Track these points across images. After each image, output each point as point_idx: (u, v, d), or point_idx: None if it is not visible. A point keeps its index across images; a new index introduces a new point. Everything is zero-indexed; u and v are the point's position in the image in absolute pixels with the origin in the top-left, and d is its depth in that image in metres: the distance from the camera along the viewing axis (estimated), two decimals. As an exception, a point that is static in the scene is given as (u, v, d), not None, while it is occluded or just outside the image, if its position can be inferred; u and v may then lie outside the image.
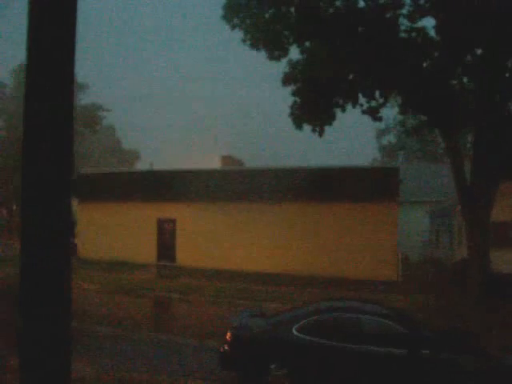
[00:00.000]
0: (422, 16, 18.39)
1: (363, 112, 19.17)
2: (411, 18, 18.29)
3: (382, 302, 12.24)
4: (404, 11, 18.41)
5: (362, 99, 19.19)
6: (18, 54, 66.19)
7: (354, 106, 19.31)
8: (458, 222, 26.65)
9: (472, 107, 19.02)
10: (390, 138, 58.58)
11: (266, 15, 18.55)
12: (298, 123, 19.70)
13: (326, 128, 20.04)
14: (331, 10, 18.41)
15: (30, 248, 3.98)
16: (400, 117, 37.80)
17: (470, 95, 19.60)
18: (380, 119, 19.50)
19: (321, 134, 19.82)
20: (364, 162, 48.44)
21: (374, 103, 19.12)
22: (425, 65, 18.91)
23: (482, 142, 18.38)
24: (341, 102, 19.45)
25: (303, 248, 24.78)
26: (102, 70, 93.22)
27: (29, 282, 3.97)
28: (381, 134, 58.46)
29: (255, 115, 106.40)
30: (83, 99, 46.52)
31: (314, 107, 19.37)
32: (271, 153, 76.72)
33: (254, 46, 18.99)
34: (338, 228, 24.58)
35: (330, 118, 19.72)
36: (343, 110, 19.60)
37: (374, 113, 19.13)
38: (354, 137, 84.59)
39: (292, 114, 19.76)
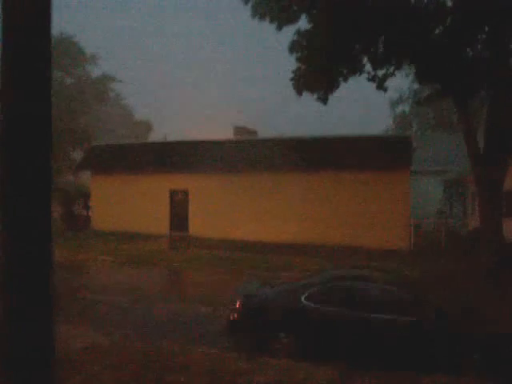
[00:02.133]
0: None
1: (368, 79, 18.95)
2: None
3: (392, 271, 12.29)
4: None
5: (369, 68, 18.97)
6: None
7: (360, 74, 19.09)
8: (472, 191, 26.46)
9: (486, 74, 18.71)
10: (405, 108, 57.92)
11: None
12: (299, 89, 19.56)
13: (341, 97, 19.90)
14: None
15: (8, 244, 3.88)
16: (413, 86, 37.34)
17: (483, 63, 19.27)
18: (385, 89, 19.27)
19: (325, 102, 19.66)
20: (378, 132, 47.92)
21: (380, 72, 18.89)
22: (437, 31, 18.57)
23: (495, 110, 18.15)
24: (345, 71, 19.24)
25: (316, 217, 24.79)
26: (112, 38, 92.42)
27: (9, 279, 3.86)
28: (395, 103, 57.80)
29: (268, 85, 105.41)
30: (93, 71, 46.04)
31: (317, 74, 19.20)
32: (284, 122, 75.99)
33: (264, 18, 18.86)
34: (350, 197, 24.52)
35: (332, 86, 19.54)
36: (345, 80, 19.40)
37: (380, 81, 18.91)
38: (368, 106, 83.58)
39: (294, 80, 19.62)
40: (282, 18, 18.82)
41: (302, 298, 9.13)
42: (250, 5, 18.81)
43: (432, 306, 8.99)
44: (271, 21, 18.87)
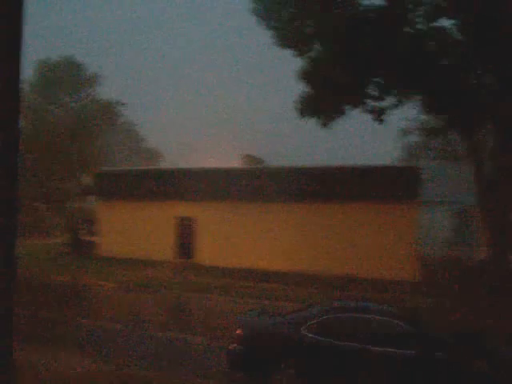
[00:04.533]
0: (440, 16, 18.22)
1: (368, 111, 19.10)
2: (430, 17, 18.15)
3: (395, 302, 12.11)
4: (422, 11, 18.30)
5: (370, 100, 19.16)
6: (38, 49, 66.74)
7: (362, 105, 19.26)
8: (480, 222, 26.24)
9: (493, 106, 18.75)
10: (414, 138, 58.01)
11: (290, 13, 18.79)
12: (303, 113, 19.76)
13: (349, 127, 20.14)
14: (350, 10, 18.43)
15: None
16: (421, 117, 37.43)
17: (491, 95, 19.34)
18: (382, 121, 19.39)
19: (326, 126, 19.88)
20: (388, 161, 47.95)
21: (381, 104, 19.04)
22: (445, 63, 18.70)
23: (501, 140, 18.12)
24: (349, 100, 19.44)
25: (323, 247, 24.63)
26: (117, 63, 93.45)
27: None
28: (403, 133, 57.92)
29: (277, 115, 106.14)
30: (99, 93, 46.16)
31: (322, 100, 19.43)
32: (293, 151, 76.27)
33: (283, 45, 19.33)
34: (357, 228, 24.37)
35: (336, 113, 19.73)
36: (350, 108, 19.60)
37: (379, 113, 19.05)
38: (378, 136, 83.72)
39: (299, 103, 19.84)
40: (299, 45, 19.23)
41: (302, 329, 8.98)
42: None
43: (433, 337, 8.80)
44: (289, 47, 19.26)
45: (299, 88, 20.23)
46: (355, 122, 24.18)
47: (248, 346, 9.27)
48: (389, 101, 19.68)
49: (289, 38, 19.27)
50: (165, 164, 63.06)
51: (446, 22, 23.13)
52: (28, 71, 43.68)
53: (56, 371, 8.56)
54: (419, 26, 18.39)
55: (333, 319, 9.07)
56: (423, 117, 36.14)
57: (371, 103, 19.45)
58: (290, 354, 8.98)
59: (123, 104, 46.55)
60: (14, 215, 4.18)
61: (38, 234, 35.63)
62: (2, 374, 4.05)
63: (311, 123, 20.61)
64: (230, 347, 9.43)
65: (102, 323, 14.30)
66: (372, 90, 19.35)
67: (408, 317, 9.47)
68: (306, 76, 19.72)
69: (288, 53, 20.04)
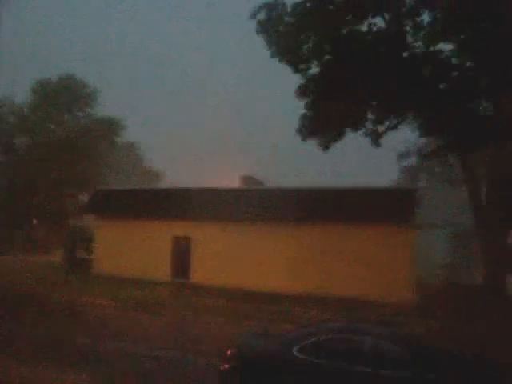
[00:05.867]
0: (440, 40, 18.40)
1: (366, 135, 19.18)
2: (429, 41, 18.33)
3: (391, 325, 12.04)
4: (421, 35, 18.50)
5: (369, 123, 19.24)
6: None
7: (360, 129, 19.34)
8: (477, 245, 26.23)
9: (490, 130, 18.84)
10: (411, 161, 58.12)
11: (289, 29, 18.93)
12: (304, 136, 19.81)
13: (350, 147, 20.17)
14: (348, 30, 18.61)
15: None
16: (419, 140, 37.64)
17: (488, 120, 19.44)
18: (379, 145, 19.47)
19: (325, 149, 19.89)
20: (386, 183, 47.96)
21: (380, 128, 19.13)
22: (442, 87, 18.82)
23: (497, 164, 18.19)
24: (349, 123, 19.51)
25: (319, 268, 24.51)
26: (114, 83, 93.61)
27: None
28: (402, 156, 58.08)
29: (276, 133, 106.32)
30: (96, 110, 45.62)
31: (322, 123, 19.49)
32: (290, 171, 76.17)
33: (281, 59, 19.42)
34: (354, 249, 24.27)
35: (335, 135, 19.79)
36: (350, 131, 19.63)
37: (377, 137, 19.14)
38: (376, 158, 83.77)
39: (300, 126, 19.90)
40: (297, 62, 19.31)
41: (294, 350, 8.91)
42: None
43: (431, 359, 8.73)
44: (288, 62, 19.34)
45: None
46: (354, 143, 24.22)
47: (239, 366, 9.19)
48: (387, 124, 19.77)
49: (287, 53, 19.35)
50: (164, 183, 63.00)
51: (445, 46, 23.43)
52: (25, 92, 43.94)
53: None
54: (418, 50, 18.57)
55: (324, 340, 8.99)
56: (422, 139, 36.42)
57: (369, 126, 19.54)
58: (281, 374, 8.89)
59: (122, 125, 46.40)
60: None
61: (36, 250, 35.54)
62: None
63: (311, 145, 20.65)
64: (221, 368, 9.35)
65: (100, 342, 14.21)
66: (370, 114, 19.45)
67: (402, 339, 9.41)
68: (304, 95, 19.82)
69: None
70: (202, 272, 26.86)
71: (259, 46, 20.29)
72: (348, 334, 9.09)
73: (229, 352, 9.34)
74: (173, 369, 12.08)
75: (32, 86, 42.90)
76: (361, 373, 8.43)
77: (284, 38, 19.21)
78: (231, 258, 26.36)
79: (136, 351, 13.61)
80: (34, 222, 41.16)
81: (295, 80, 20.32)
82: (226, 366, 9.26)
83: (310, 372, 8.70)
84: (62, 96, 42.41)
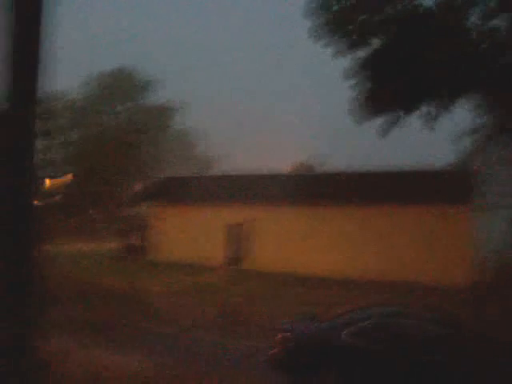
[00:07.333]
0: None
1: (419, 117, 18.53)
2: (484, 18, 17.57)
3: (445, 310, 11.76)
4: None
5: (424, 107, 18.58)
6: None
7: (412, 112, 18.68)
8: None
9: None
10: (471, 141, 56.48)
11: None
12: (359, 119, 19.29)
13: (405, 130, 19.49)
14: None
15: None
16: (476, 121, 36.41)
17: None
18: (433, 128, 18.79)
19: (383, 134, 19.29)
20: (443, 165, 46.96)
21: (432, 109, 18.47)
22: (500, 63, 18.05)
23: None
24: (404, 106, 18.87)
25: (374, 252, 24.19)
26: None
27: None
28: (459, 137, 56.53)
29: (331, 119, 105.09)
30: (151, 97, 45.89)
31: (376, 106, 18.95)
32: (348, 154, 75.17)
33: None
34: (411, 232, 23.92)
35: (392, 122, 19.18)
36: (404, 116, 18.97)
37: (431, 119, 18.48)
38: (434, 139, 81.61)
39: (355, 106, 19.38)
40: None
41: (343, 335, 8.83)
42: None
43: (481, 346, 8.46)
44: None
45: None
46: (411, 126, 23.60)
47: (290, 350, 9.18)
48: (443, 105, 19.08)
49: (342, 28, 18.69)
50: (225, 169, 63.25)
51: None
52: (77, 85, 44.57)
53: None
54: (473, 26, 17.84)
55: (374, 325, 8.88)
56: (480, 120, 35.21)
57: (424, 108, 18.87)
58: (331, 358, 8.84)
59: (181, 107, 46.64)
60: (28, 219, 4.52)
61: (91, 238, 36.42)
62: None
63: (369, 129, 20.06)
64: (271, 351, 9.37)
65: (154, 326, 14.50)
66: (425, 95, 18.78)
67: (455, 324, 9.17)
68: (357, 76, 19.27)
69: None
70: (257, 257, 26.81)
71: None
72: (399, 319, 8.94)
73: (280, 336, 9.35)
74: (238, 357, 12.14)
75: (86, 79, 43.79)
76: (409, 358, 8.28)
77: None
78: (287, 243, 26.36)
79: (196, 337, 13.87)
80: (90, 210, 42.17)
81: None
82: (277, 350, 9.27)
83: (359, 356, 8.61)
84: (116, 88, 43.16)
